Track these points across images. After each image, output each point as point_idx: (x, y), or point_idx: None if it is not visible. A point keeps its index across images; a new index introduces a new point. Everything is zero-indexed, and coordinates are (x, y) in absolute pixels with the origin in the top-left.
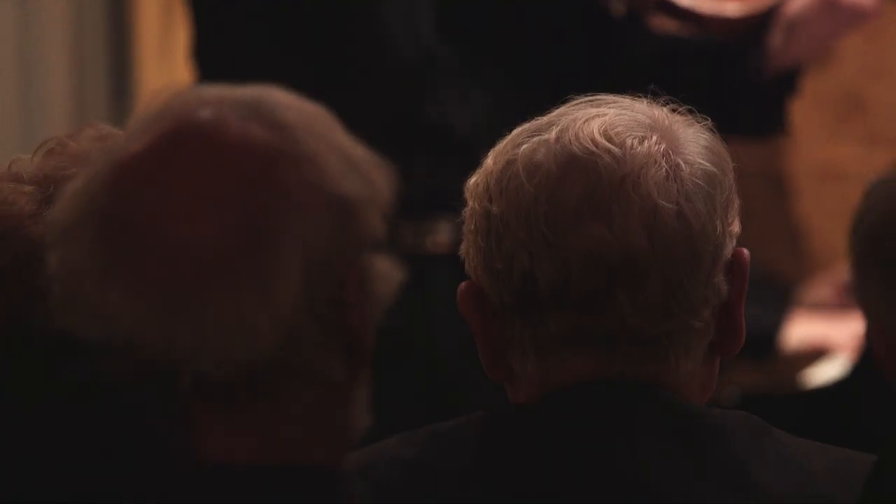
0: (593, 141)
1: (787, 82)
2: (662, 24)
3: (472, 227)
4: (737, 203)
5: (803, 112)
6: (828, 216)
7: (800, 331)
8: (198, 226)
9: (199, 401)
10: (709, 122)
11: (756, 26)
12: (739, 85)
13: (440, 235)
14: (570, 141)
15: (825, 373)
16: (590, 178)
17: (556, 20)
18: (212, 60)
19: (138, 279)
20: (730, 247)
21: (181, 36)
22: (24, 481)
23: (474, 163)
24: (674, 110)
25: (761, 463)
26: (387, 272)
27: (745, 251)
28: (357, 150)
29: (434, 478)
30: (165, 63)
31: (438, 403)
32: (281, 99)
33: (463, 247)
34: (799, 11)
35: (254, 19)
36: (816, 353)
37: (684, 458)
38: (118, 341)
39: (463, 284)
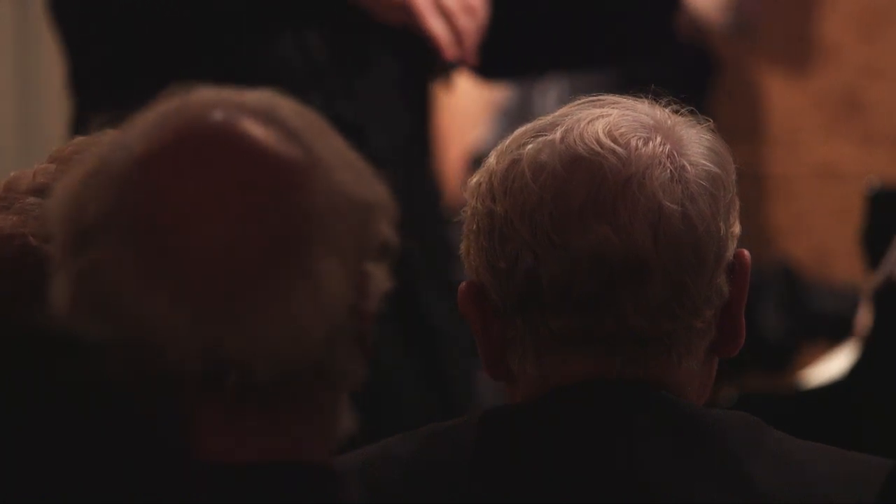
0: (598, 142)
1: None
2: None
3: (474, 226)
4: (737, 204)
5: (802, 112)
6: (826, 215)
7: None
8: (239, 229)
9: (206, 403)
10: (710, 122)
11: None
12: (623, 7)
13: None
14: (574, 141)
15: (824, 373)
16: (595, 178)
17: None
18: (83, 92)
19: (181, 284)
20: (732, 248)
21: None
22: (24, 481)
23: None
24: (675, 111)
25: (760, 463)
26: (380, 279)
27: (746, 252)
28: (357, 158)
29: (432, 477)
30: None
31: (364, 399)
32: (286, 105)
33: (463, 246)
34: None
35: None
36: None
37: (683, 457)
38: (141, 342)
39: (463, 284)
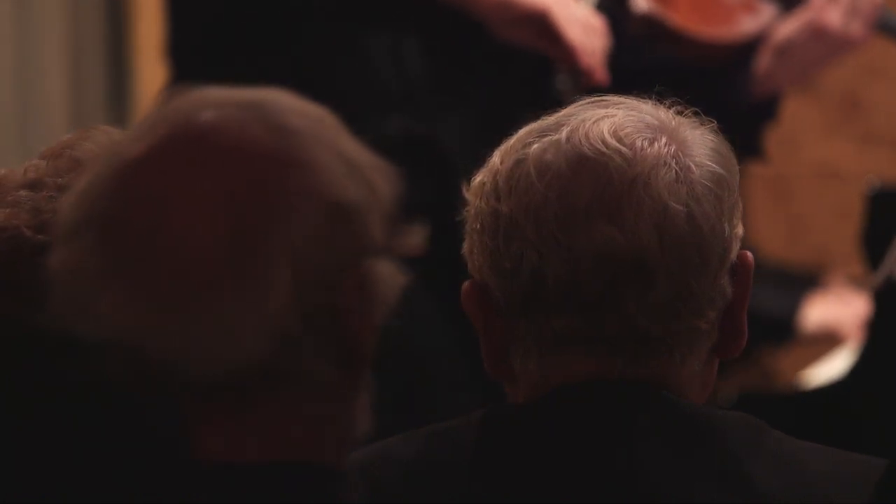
0: (603, 142)
1: (768, 108)
2: (651, 44)
3: (478, 226)
4: (741, 205)
5: (802, 111)
6: (826, 215)
7: (816, 313)
8: (191, 230)
9: (194, 402)
10: (714, 124)
11: (742, 52)
12: (723, 108)
13: (413, 238)
14: (580, 141)
15: (824, 373)
16: (600, 178)
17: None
18: (181, 61)
19: (132, 282)
20: (735, 249)
21: None
22: (25, 482)
23: (446, 171)
24: (679, 112)
25: (760, 463)
26: (388, 276)
27: (749, 254)
28: (360, 155)
29: (433, 477)
30: (163, 65)
31: (412, 404)
32: (286, 102)
33: (466, 245)
34: (787, 37)
35: (227, 28)
36: (830, 337)
37: (683, 458)
38: (111, 342)
39: (467, 283)
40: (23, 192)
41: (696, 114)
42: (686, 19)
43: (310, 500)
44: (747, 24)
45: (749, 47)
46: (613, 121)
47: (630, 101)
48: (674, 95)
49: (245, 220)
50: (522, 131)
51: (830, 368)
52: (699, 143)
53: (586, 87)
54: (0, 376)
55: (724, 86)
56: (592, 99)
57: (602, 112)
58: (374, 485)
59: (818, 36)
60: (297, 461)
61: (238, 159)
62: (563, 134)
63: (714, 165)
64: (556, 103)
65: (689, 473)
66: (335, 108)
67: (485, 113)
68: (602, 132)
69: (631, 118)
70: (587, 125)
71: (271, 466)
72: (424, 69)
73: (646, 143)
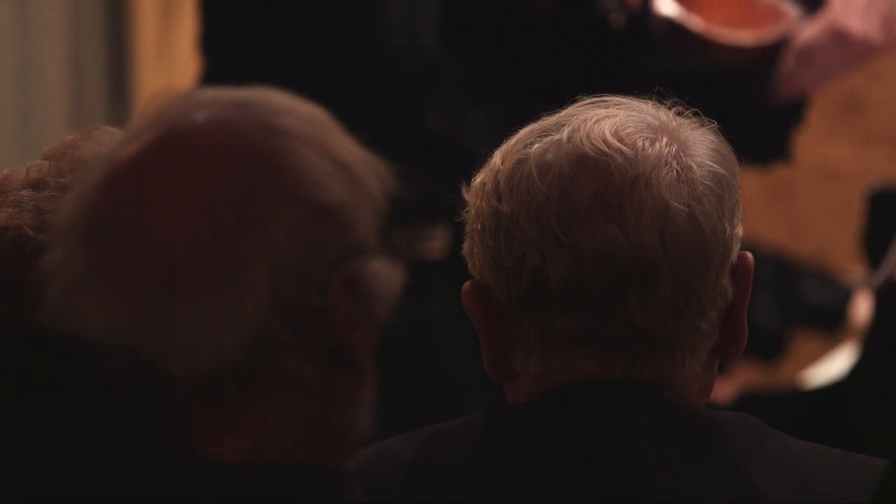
0: (605, 141)
1: (793, 111)
2: (674, 45)
3: (479, 226)
4: (741, 206)
5: None
6: (826, 215)
7: (865, 308)
8: (168, 232)
9: (191, 401)
10: (714, 124)
11: (766, 55)
12: (746, 110)
13: (436, 242)
14: (581, 141)
15: (824, 373)
16: (602, 178)
17: (559, 34)
18: (215, 54)
19: (111, 282)
20: (736, 249)
21: (179, 37)
22: (23, 482)
23: (470, 174)
24: (679, 113)
25: (761, 464)
26: (384, 274)
27: (749, 255)
28: (351, 154)
29: (434, 477)
30: (163, 64)
31: (433, 407)
32: (277, 103)
33: (466, 246)
34: (810, 42)
35: (258, 21)
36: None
37: (684, 458)
38: (100, 341)
39: (468, 283)
40: (25, 192)
41: (696, 114)
42: (709, 21)
43: (308, 500)
44: (771, 27)
45: (773, 50)
46: (615, 121)
47: (631, 101)
48: (696, 97)
49: (221, 220)
50: (523, 131)
51: (830, 368)
52: (700, 143)
53: (628, 8)
54: (0, 376)
55: (748, 87)
56: (593, 99)
57: (603, 112)
58: (374, 485)
59: (839, 41)
60: (296, 461)
61: (219, 160)
62: (565, 134)
63: (715, 165)
64: (602, 20)
65: (689, 474)
66: (356, 95)
67: (507, 112)
68: (603, 132)
69: (632, 118)
70: (588, 125)
71: (269, 466)
72: (450, 63)
73: (647, 143)
